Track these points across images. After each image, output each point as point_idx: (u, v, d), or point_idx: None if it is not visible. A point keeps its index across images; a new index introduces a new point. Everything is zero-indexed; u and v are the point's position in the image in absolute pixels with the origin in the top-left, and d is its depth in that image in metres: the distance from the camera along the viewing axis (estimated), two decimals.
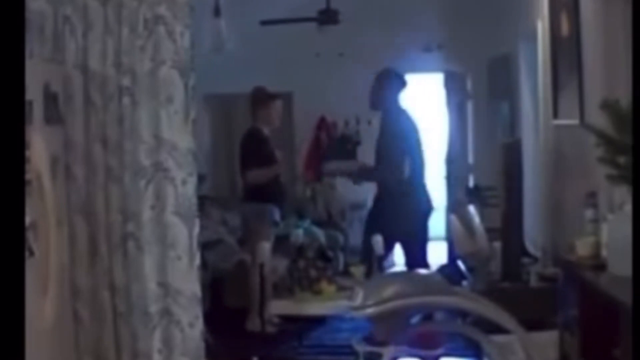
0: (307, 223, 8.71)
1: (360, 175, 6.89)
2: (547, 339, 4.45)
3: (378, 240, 6.62)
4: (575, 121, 5.18)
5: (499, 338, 3.30)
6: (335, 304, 6.11)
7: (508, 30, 7.75)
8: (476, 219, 6.29)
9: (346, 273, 6.53)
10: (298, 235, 7.23)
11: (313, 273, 6.28)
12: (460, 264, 6.59)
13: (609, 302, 3.41)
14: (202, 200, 5.90)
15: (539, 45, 6.48)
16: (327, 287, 6.17)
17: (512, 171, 5.71)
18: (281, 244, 7.36)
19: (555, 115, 5.90)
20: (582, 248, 4.13)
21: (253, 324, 6.65)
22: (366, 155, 9.67)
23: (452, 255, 9.24)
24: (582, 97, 5.11)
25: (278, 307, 6.14)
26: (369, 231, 6.37)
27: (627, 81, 3.58)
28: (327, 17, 8.00)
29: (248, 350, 5.96)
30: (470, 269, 6.18)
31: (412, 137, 6.42)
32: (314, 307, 6.10)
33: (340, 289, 6.26)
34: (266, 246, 6.66)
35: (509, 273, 5.50)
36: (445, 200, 9.98)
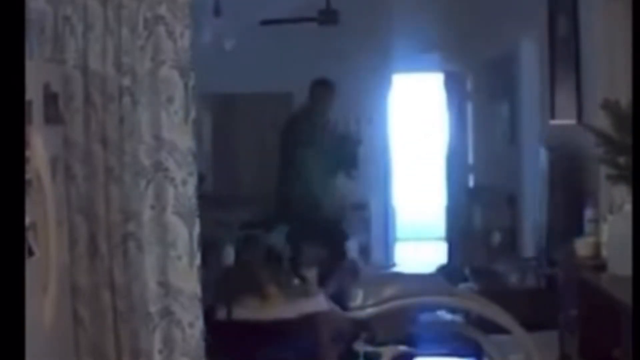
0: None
1: None
2: (547, 339, 4.45)
3: (353, 244, 6.62)
4: (572, 121, 5.19)
5: (499, 338, 3.31)
6: (282, 309, 6.06)
7: (508, 30, 7.76)
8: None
9: (299, 277, 6.49)
10: (270, 238, 7.21)
11: (261, 277, 6.25)
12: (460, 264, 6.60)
13: (609, 302, 3.42)
14: (202, 200, 5.88)
15: (539, 45, 6.49)
16: (275, 292, 6.12)
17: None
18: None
19: (553, 115, 5.91)
20: (582, 248, 4.14)
21: None
22: (367, 154, 9.70)
23: (452, 255, 9.27)
24: (580, 97, 5.12)
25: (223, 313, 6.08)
26: None
27: (626, 81, 3.59)
28: (327, 17, 7.99)
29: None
30: (470, 269, 6.19)
31: None
32: (260, 313, 6.05)
33: (291, 294, 6.23)
34: (230, 251, 6.60)
35: (509, 273, 5.50)
36: (445, 200, 10.00)
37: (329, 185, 7.65)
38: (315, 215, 7.30)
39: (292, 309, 6.04)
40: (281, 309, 5.97)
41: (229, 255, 6.49)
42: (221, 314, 5.96)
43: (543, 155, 6.54)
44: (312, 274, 6.29)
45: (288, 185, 7.53)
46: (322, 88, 7.74)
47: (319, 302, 5.97)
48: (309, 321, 5.93)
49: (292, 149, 7.60)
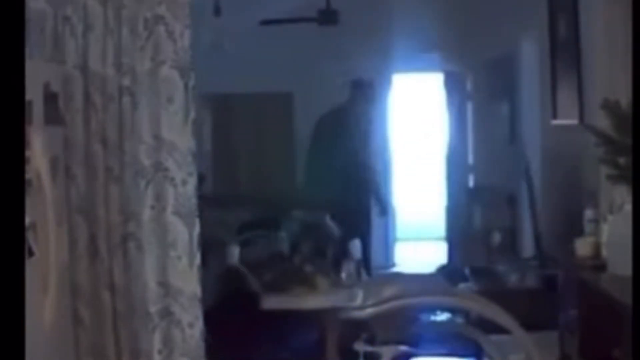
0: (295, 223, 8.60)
1: None
2: (547, 339, 4.45)
3: (356, 244, 6.64)
4: (574, 121, 5.19)
5: (499, 338, 3.31)
6: (329, 298, 6.10)
7: (508, 30, 7.76)
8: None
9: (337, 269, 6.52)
10: (280, 239, 7.23)
11: (309, 268, 6.29)
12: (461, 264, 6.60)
13: (609, 302, 3.42)
14: (202, 201, 5.88)
15: (539, 45, 6.49)
16: (322, 282, 6.16)
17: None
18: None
19: (555, 115, 5.91)
20: (582, 248, 4.14)
21: None
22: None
23: (452, 255, 9.27)
24: (582, 97, 5.12)
25: (272, 302, 6.11)
26: None
27: (627, 81, 3.59)
28: (327, 17, 7.99)
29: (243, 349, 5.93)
30: (470, 269, 6.18)
31: None
32: (309, 302, 6.08)
33: (335, 283, 6.27)
34: (235, 250, 6.61)
35: (509, 273, 5.50)
36: (445, 200, 10.00)
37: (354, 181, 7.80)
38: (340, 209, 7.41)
39: (337, 299, 6.09)
40: (329, 298, 6.02)
41: (231, 255, 6.51)
42: (268, 303, 6.03)
43: (543, 155, 6.54)
44: (351, 266, 6.31)
45: (317, 177, 7.68)
46: (358, 88, 7.82)
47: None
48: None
49: (326, 144, 7.75)
